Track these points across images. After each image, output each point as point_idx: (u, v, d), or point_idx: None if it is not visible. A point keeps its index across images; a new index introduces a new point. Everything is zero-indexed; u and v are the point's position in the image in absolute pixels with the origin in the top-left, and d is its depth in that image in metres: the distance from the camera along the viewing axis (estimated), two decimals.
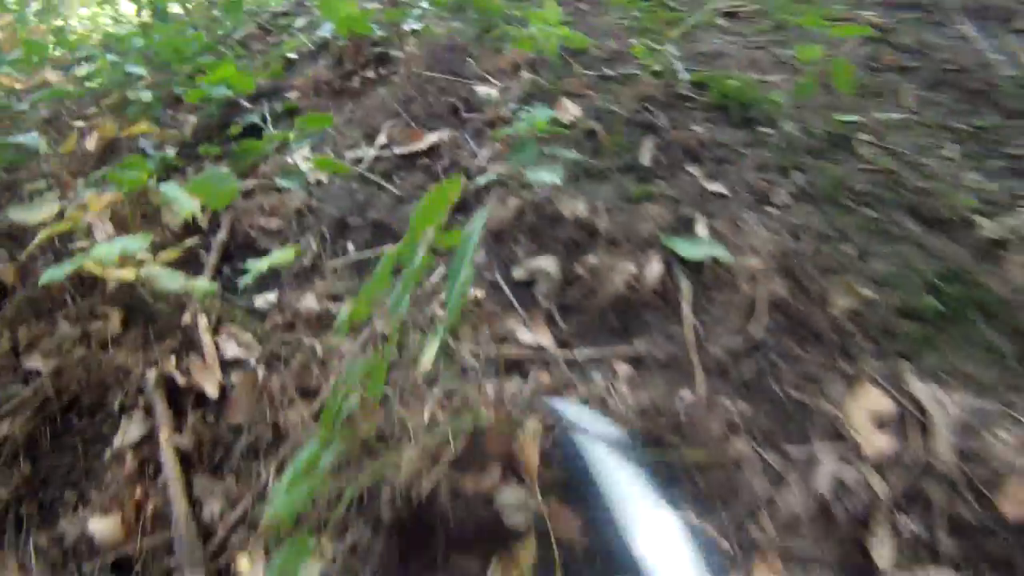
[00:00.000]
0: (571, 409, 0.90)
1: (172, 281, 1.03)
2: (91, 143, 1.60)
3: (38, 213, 1.22)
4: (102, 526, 1.04)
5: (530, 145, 1.22)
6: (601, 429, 0.86)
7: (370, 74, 1.71)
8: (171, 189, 1.11)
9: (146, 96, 1.73)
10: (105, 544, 1.04)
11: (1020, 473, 0.90)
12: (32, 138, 1.42)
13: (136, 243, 0.99)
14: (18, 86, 1.97)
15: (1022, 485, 0.90)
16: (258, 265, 1.01)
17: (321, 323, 1.15)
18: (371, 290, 0.73)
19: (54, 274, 0.98)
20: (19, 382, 1.26)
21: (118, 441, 1.11)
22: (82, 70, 2.12)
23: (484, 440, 0.88)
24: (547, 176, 1.14)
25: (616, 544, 0.74)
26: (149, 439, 1.11)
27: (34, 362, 1.27)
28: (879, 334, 1.09)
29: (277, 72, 1.82)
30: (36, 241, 1.15)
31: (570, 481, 0.84)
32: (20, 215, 1.23)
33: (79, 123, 1.78)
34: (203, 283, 1.07)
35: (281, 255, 1.03)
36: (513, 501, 0.84)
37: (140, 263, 1.10)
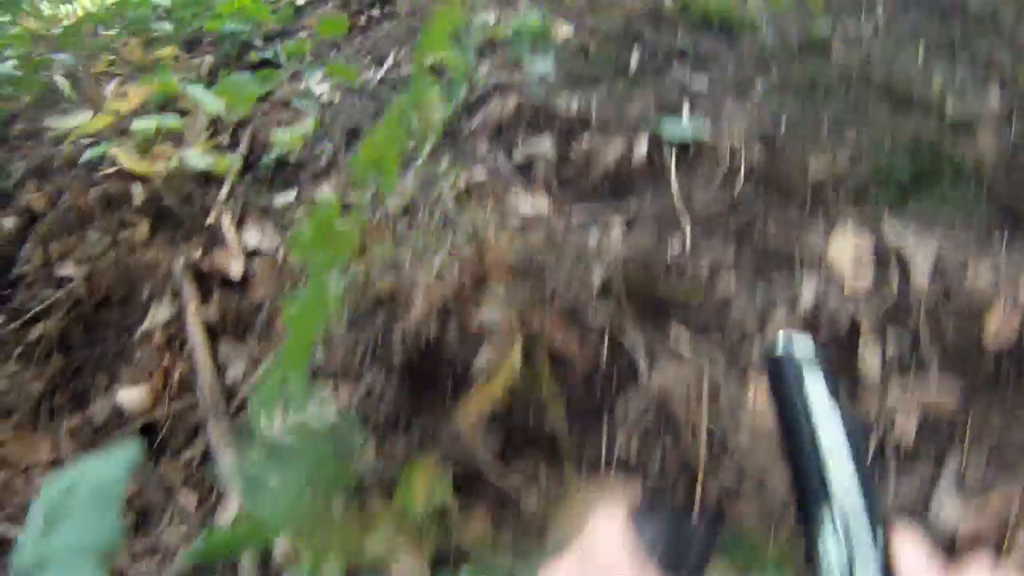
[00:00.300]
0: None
1: (201, 160, 1.12)
2: (121, 67, 1.70)
3: (73, 120, 1.31)
4: (131, 396, 1.12)
5: (525, 40, 1.31)
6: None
7: (375, 12, 1.82)
8: (198, 91, 1.20)
9: (168, 28, 1.83)
10: (134, 412, 1.12)
11: (1001, 300, 0.98)
12: (68, 58, 1.52)
13: (171, 120, 1.08)
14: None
15: (1004, 314, 0.98)
16: (280, 136, 1.10)
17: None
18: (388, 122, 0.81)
19: (94, 152, 1.07)
20: (52, 287, 1.34)
21: (147, 323, 1.20)
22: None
23: (486, 273, 0.96)
24: (540, 66, 1.24)
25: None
26: (177, 319, 1.19)
27: (66, 270, 1.36)
28: (856, 194, 1.18)
29: (287, 16, 1.93)
30: (70, 136, 1.24)
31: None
32: (57, 123, 1.33)
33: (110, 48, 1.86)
34: (229, 160, 1.16)
35: (297, 133, 1.12)
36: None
37: (170, 157, 1.19)
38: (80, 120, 1.31)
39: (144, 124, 1.06)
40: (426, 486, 0.73)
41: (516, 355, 0.88)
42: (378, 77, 1.53)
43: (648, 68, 1.46)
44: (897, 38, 1.58)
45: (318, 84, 1.51)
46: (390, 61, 1.54)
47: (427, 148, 1.08)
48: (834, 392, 0.65)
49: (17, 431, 1.09)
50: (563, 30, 1.58)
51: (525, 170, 1.24)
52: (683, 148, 1.23)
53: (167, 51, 1.64)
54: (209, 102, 1.18)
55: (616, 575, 0.70)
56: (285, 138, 1.16)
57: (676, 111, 1.30)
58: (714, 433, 0.86)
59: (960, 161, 1.23)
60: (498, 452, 0.86)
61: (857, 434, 0.64)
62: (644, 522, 0.54)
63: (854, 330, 0.96)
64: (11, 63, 1.63)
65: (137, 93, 1.29)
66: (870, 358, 0.94)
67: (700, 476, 0.84)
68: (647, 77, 1.43)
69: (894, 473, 0.87)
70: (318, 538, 0.69)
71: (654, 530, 0.50)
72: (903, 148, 1.25)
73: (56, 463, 1.05)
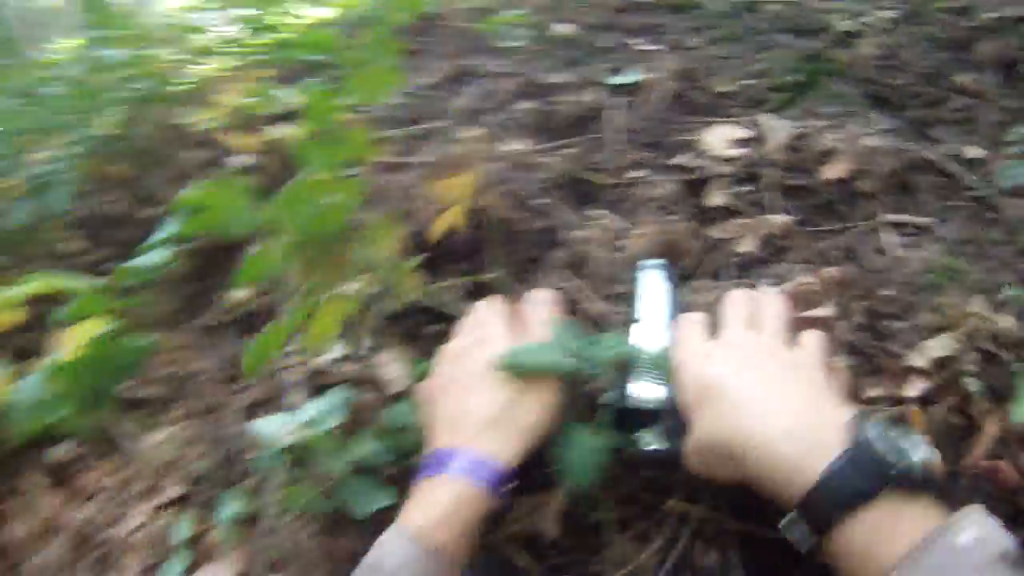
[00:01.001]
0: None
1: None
2: None
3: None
4: (236, 296, 1.61)
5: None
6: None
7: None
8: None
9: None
10: (238, 306, 1.63)
11: (839, 153, 1.36)
12: None
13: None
14: None
15: (839, 161, 1.35)
16: None
17: None
18: None
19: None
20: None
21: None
22: None
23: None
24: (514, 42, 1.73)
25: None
26: None
27: None
28: (751, 101, 1.58)
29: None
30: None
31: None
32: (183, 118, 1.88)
33: None
34: None
35: None
36: None
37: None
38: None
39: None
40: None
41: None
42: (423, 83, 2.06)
43: (616, 44, 1.90)
44: None
45: None
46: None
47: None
48: (670, 279, 1.08)
49: (158, 330, 1.61)
50: (559, 28, 2.05)
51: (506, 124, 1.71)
52: (622, 90, 1.67)
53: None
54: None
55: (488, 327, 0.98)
56: None
57: (621, 67, 1.75)
58: (606, 266, 1.28)
59: (841, 67, 1.60)
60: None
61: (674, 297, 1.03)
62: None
63: (715, 179, 1.37)
64: None
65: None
66: (720, 199, 1.35)
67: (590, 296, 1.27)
68: (613, 51, 1.88)
69: (736, 277, 1.25)
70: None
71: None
72: (796, 64, 1.63)
73: (185, 348, 1.56)
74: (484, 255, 1.34)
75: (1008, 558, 0.55)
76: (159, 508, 1.18)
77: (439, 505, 0.77)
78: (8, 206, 1.67)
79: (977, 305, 1.01)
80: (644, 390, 0.88)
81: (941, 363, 0.96)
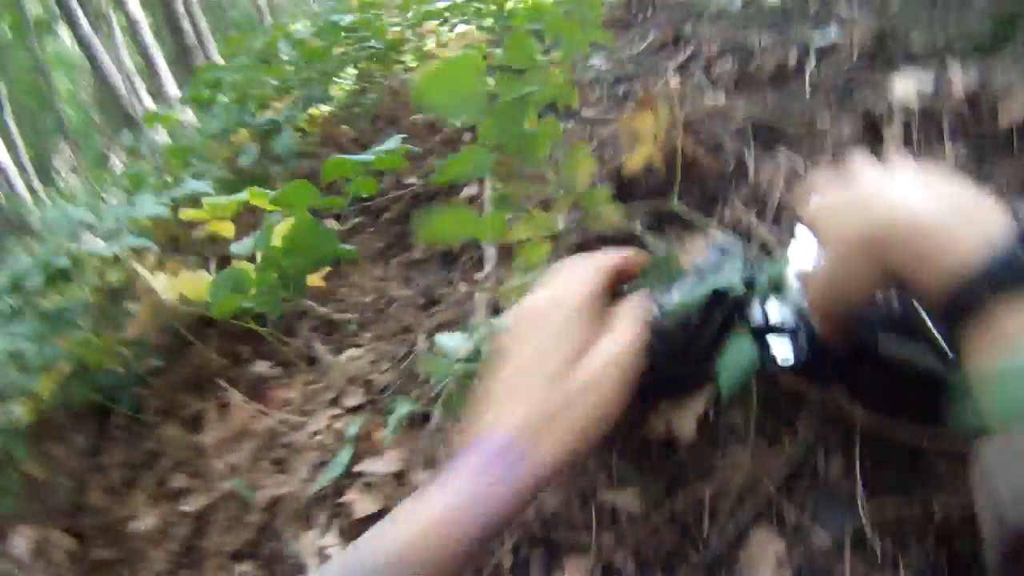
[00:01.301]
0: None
1: None
2: None
3: None
4: None
5: None
6: None
7: None
8: None
9: None
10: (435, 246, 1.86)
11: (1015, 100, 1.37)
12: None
13: None
14: None
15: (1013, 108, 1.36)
16: None
17: None
18: None
19: None
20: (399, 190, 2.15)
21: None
22: None
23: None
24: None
25: None
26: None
27: (410, 180, 2.15)
28: (942, 56, 1.59)
29: None
30: None
31: None
32: None
33: None
34: None
35: None
36: None
37: None
38: None
39: None
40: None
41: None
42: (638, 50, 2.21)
43: (821, 8, 1.95)
44: None
45: None
46: None
47: None
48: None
49: (363, 264, 1.86)
50: None
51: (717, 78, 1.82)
52: (822, 51, 1.73)
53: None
54: None
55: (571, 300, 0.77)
56: None
57: (826, 29, 1.80)
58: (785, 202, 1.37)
59: None
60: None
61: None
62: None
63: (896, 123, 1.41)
64: None
65: None
66: (897, 141, 1.39)
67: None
68: (818, 15, 1.93)
69: None
70: None
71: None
72: (990, 21, 1.62)
73: (388, 279, 1.81)
74: (675, 190, 1.46)
75: None
76: (338, 416, 1.41)
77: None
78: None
79: None
80: (775, 307, 0.96)
81: None
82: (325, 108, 3.02)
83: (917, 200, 0.61)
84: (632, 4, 2.64)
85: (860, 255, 0.64)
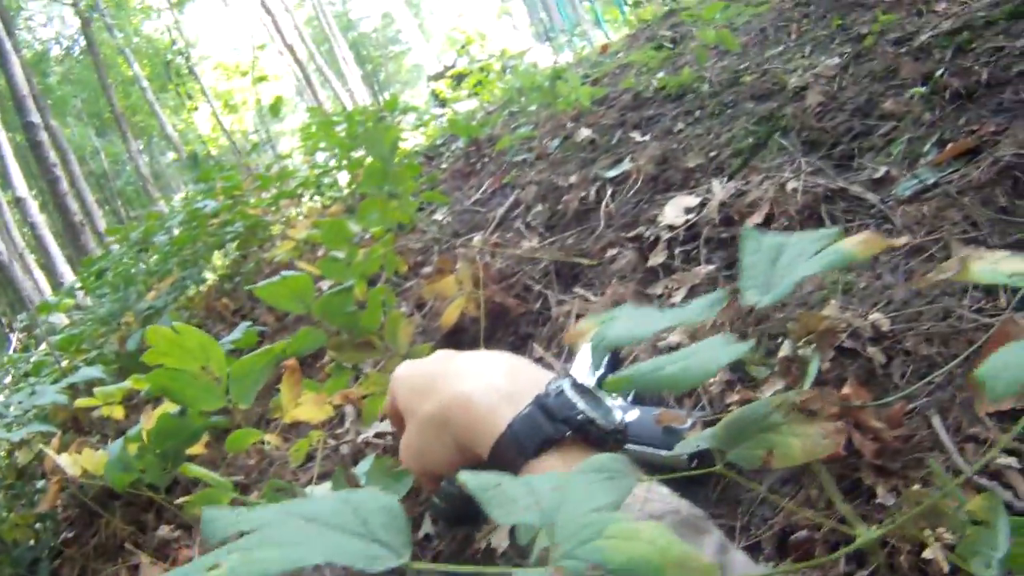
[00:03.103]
0: None
1: None
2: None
3: None
4: None
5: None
6: None
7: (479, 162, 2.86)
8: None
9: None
10: None
11: (762, 202, 1.71)
12: None
13: None
14: None
15: (761, 208, 1.70)
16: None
17: None
18: None
19: None
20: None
21: None
22: None
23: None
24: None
25: None
26: None
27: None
28: (715, 171, 1.94)
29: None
30: None
31: None
32: None
33: None
34: None
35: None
36: None
37: None
38: None
39: None
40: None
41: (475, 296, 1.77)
42: (475, 196, 2.54)
43: (621, 139, 2.32)
44: (799, 49, 2.30)
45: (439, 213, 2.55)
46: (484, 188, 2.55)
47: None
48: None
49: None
50: (584, 132, 2.49)
51: (532, 224, 2.15)
52: (616, 180, 2.07)
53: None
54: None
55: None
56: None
57: (620, 160, 2.15)
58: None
59: (788, 122, 1.94)
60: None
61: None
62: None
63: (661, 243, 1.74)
64: None
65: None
66: (662, 259, 1.72)
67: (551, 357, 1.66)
68: (618, 146, 2.29)
69: None
70: None
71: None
72: (754, 127, 1.99)
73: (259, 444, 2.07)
74: (488, 336, 1.76)
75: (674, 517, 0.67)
76: None
77: None
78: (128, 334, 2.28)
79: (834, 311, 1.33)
80: None
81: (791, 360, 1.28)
82: (208, 281, 3.32)
83: (473, 387, 0.78)
84: (471, 154, 3.01)
85: (432, 428, 0.81)
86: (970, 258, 0.48)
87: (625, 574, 0.38)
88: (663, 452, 1.23)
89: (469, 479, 0.49)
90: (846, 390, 1.17)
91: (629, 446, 1.17)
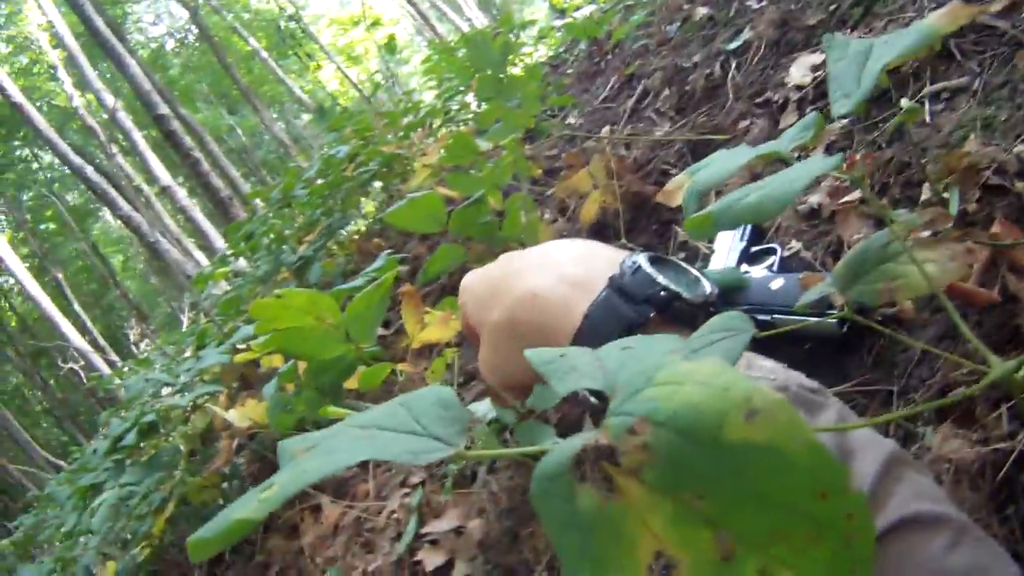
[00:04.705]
0: None
1: None
2: None
3: None
4: None
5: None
6: None
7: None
8: None
9: None
10: None
11: None
12: None
13: None
14: None
15: None
16: None
17: None
18: None
19: None
20: None
21: None
22: None
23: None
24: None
25: None
26: None
27: None
28: (837, 24, 1.88)
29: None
30: None
31: None
32: None
33: None
34: None
35: None
36: None
37: None
38: None
39: None
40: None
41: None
42: (602, 97, 2.55)
43: (738, 9, 2.27)
44: None
45: None
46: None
47: None
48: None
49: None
50: (701, 10, 2.45)
51: (662, 110, 2.14)
52: (738, 51, 2.04)
53: None
54: None
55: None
56: None
57: (739, 32, 2.11)
58: None
59: None
60: None
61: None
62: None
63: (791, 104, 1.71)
64: None
65: None
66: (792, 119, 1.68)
67: None
68: (737, 17, 2.24)
69: None
70: None
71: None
72: None
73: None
74: (632, 226, 1.78)
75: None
76: (408, 494, 1.74)
77: None
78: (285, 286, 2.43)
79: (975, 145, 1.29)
80: None
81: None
82: (358, 224, 3.46)
83: (538, 282, 0.74)
84: (593, 54, 3.00)
85: (503, 338, 0.76)
86: None
87: (678, 425, 0.30)
88: (811, 319, 1.23)
89: (532, 356, 0.47)
90: (995, 229, 1.13)
91: (777, 316, 1.19)
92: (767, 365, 0.68)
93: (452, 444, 0.42)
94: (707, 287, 0.73)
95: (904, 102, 1.48)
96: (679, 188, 0.67)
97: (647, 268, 0.69)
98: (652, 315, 0.67)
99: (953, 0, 0.54)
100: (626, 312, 0.68)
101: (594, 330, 0.68)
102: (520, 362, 0.68)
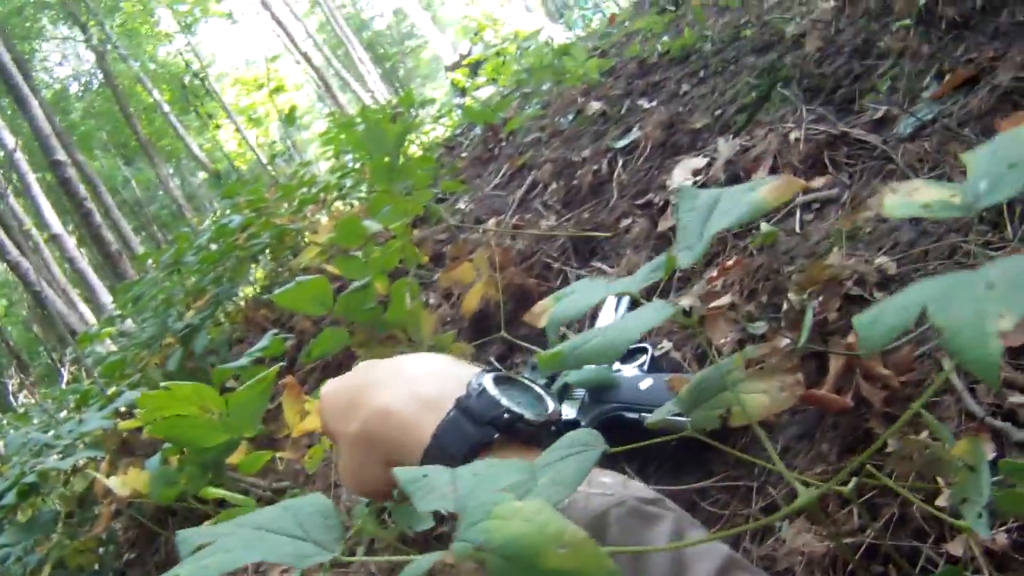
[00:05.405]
0: None
1: None
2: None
3: None
4: None
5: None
6: None
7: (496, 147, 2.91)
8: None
9: None
10: None
11: (766, 154, 1.74)
12: None
13: None
14: None
15: (765, 161, 1.73)
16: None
17: None
18: None
19: None
20: None
21: None
22: None
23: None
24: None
25: None
26: None
27: None
28: (721, 129, 1.97)
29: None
30: None
31: None
32: None
33: None
34: None
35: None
36: None
37: None
38: None
39: None
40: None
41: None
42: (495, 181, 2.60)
43: (630, 108, 2.35)
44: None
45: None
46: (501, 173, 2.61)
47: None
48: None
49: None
50: (594, 105, 2.53)
51: (549, 202, 2.19)
52: (626, 150, 2.11)
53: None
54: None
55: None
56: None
57: (630, 129, 2.19)
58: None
59: (788, 72, 1.95)
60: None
61: None
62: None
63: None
64: None
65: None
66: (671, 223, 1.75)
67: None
68: (628, 115, 2.33)
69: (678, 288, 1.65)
70: None
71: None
72: (756, 81, 2.01)
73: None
74: (512, 318, 1.81)
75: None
76: (284, 571, 1.72)
77: None
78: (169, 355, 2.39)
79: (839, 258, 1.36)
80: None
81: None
82: (244, 295, 3.42)
83: (391, 399, 0.76)
84: (488, 140, 3.06)
85: (360, 449, 0.78)
86: (885, 193, 0.51)
87: (505, 553, 0.39)
88: (678, 419, 1.27)
89: (400, 474, 0.52)
90: (851, 338, 1.19)
91: (645, 415, 1.23)
92: (607, 481, 0.70)
93: (330, 550, 0.48)
94: (549, 406, 0.76)
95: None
96: (543, 312, 0.71)
97: (491, 390, 0.72)
98: (496, 436, 0.70)
99: (784, 175, 0.59)
100: (472, 432, 0.70)
101: (442, 449, 0.70)
102: (376, 471, 0.78)
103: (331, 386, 0.86)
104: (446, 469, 0.53)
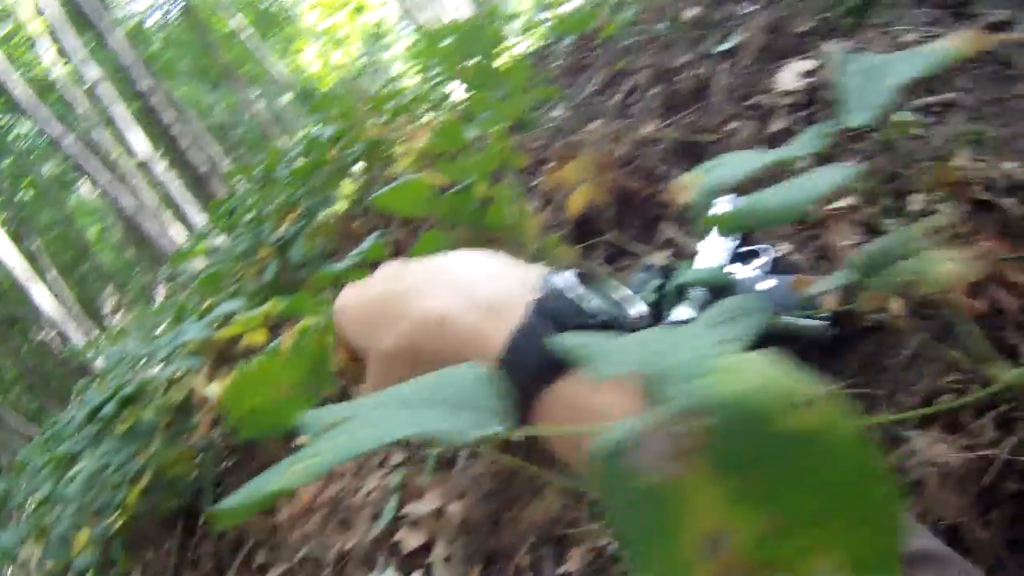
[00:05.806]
0: None
1: None
2: None
3: None
4: None
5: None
6: None
7: None
8: None
9: None
10: None
11: None
12: None
13: None
14: None
15: None
16: None
17: None
18: None
19: None
20: None
21: None
22: None
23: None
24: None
25: None
26: None
27: None
28: (826, 33, 1.89)
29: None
30: None
31: None
32: None
33: None
34: None
35: None
36: None
37: None
38: None
39: None
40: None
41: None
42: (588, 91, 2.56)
43: (728, 14, 2.28)
44: None
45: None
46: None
47: None
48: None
49: None
50: (688, 12, 2.46)
51: (648, 107, 2.15)
52: (727, 54, 2.05)
53: None
54: None
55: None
56: None
57: (729, 35, 2.13)
58: None
59: None
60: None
61: None
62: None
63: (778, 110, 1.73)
64: None
65: None
66: (781, 125, 1.70)
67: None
68: (727, 21, 2.26)
69: None
70: None
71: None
72: None
73: None
74: (618, 221, 1.79)
75: None
76: (387, 474, 1.75)
77: None
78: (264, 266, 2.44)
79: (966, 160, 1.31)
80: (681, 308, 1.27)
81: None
82: (338, 206, 3.45)
83: (445, 305, 0.62)
84: (582, 49, 3.01)
85: (400, 366, 0.64)
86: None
87: (735, 411, 0.30)
88: (802, 321, 1.25)
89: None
90: (987, 243, 1.15)
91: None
92: None
93: (495, 421, 0.40)
94: (634, 308, 0.64)
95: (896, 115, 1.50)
96: (688, 185, 0.65)
97: (575, 291, 0.61)
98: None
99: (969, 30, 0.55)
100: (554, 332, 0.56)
101: (523, 362, 0.57)
102: None
103: (351, 295, 0.71)
104: (607, 336, 0.46)
